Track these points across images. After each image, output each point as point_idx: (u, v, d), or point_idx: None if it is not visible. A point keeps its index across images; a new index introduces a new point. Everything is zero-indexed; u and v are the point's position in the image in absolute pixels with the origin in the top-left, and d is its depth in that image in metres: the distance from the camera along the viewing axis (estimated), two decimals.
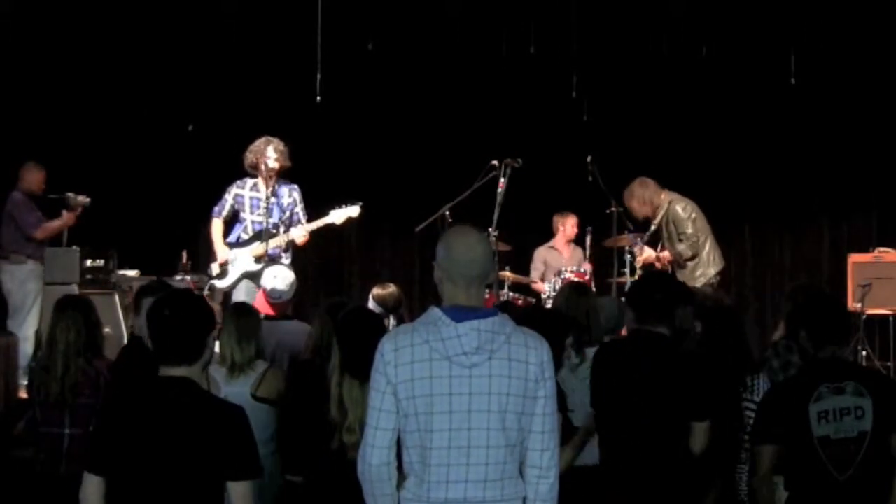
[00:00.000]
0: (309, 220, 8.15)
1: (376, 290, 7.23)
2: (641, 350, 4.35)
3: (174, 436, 3.29)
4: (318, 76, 8.99)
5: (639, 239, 8.79)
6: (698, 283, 8.15)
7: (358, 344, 4.16)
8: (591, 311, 5.51)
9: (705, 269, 8.31)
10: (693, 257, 8.38)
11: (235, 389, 5.00)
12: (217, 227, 8.25)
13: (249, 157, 8.05)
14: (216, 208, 8.25)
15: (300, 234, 8.03)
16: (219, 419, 3.35)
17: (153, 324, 3.44)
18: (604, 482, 4.38)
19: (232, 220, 8.26)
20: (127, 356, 5.20)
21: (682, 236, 8.36)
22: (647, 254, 8.78)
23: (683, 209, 8.40)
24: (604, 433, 4.43)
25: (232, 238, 8.20)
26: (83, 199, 8.64)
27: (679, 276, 8.29)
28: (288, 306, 6.69)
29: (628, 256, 8.93)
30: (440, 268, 3.28)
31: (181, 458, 3.28)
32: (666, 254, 8.61)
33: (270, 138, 8.04)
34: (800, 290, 5.85)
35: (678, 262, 8.44)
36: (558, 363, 3.76)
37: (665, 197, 8.46)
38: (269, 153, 7.95)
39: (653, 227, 8.57)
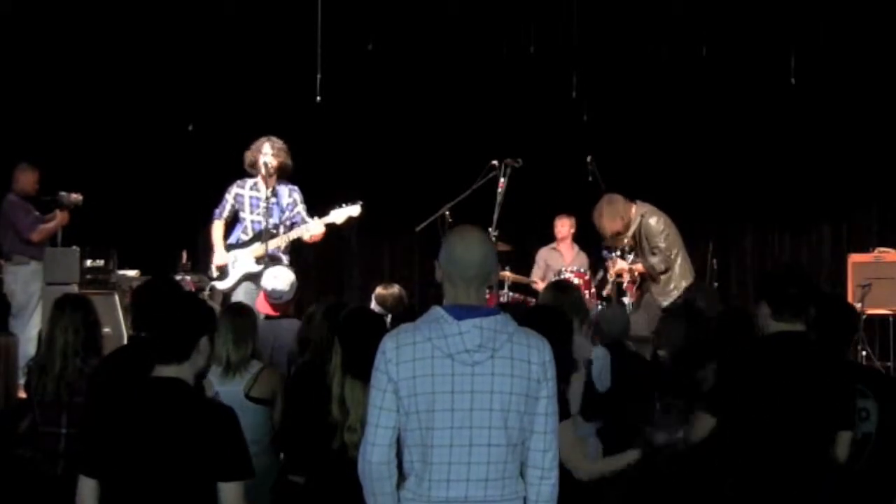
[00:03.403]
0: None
1: (379, 290, 7.23)
2: (786, 353, 3.96)
3: (163, 437, 3.28)
4: (318, 76, 8.98)
5: (613, 253, 8.79)
6: (671, 297, 8.10)
7: (359, 344, 4.15)
8: (576, 308, 5.52)
9: (678, 282, 8.24)
10: (666, 271, 8.30)
11: (229, 389, 4.99)
12: (218, 229, 8.21)
13: (249, 155, 8.05)
14: (217, 210, 8.23)
15: (315, 228, 7.97)
16: (208, 420, 3.34)
17: (147, 321, 3.44)
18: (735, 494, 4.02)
19: (232, 221, 8.24)
20: (120, 356, 5.13)
21: (654, 250, 8.28)
22: (620, 265, 8.76)
23: (656, 223, 8.28)
24: (736, 442, 3.99)
25: (232, 239, 8.18)
26: (76, 197, 8.64)
27: (653, 290, 8.31)
28: (290, 306, 6.69)
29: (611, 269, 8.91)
30: (441, 268, 3.28)
31: (171, 459, 3.27)
32: (639, 265, 8.59)
33: (270, 137, 8.04)
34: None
35: (651, 275, 8.41)
36: (561, 364, 3.71)
37: (637, 210, 8.36)
38: (266, 149, 7.94)
39: (625, 241, 8.52)
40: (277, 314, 6.58)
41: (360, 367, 4.06)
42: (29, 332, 8.24)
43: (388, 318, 6.81)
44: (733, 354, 4.18)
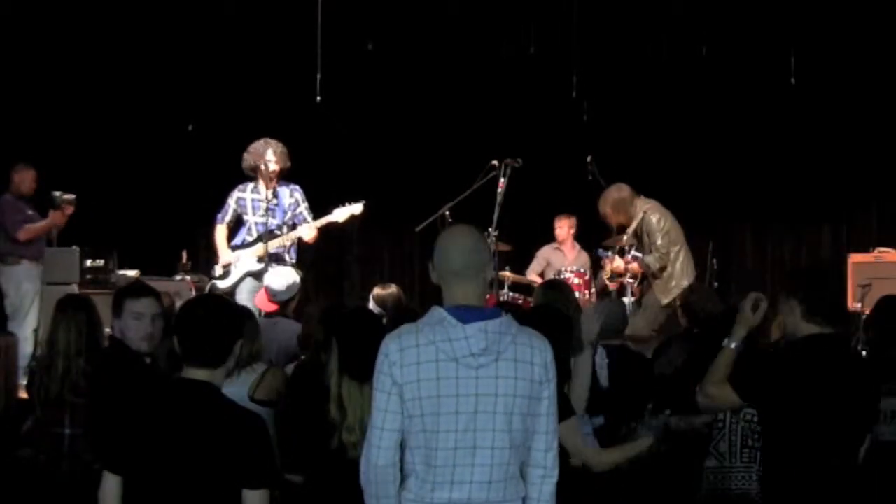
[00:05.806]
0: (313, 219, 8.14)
1: (377, 290, 7.23)
2: (826, 356, 3.88)
3: (193, 440, 3.27)
4: (318, 76, 8.98)
5: (609, 251, 8.80)
6: (672, 295, 8.05)
7: (357, 345, 4.16)
8: (569, 308, 5.53)
9: (679, 280, 8.19)
10: (662, 269, 8.26)
11: (232, 390, 4.98)
12: (221, 232, 8.19)
13: (248, 159, 8.01)
14: (219, 215, 8.20)
15: (308, 231, 8.00)
16: (237, 426, 3.32)
17: (183, 324, 3.42)
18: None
19: (237, 224, 8.23)
20: (108, 359, 5.10)
21: (651, 247, 8.28)
22: (617, 264, 8.76)
23: (657, 220, 8.22)
24: (776, 443, 3.97)
25: (237, 240, 8.17)
26: (69, 197, 8.59)
27: (654, 287, 8.30)
28: (288, 306, 6.69)
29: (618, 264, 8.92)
30: (434, 269, 3.28)
31: (197, 463, 3.26)
32: (635, 265, 8.59)
33: (269, 140, 8.00)
34: None
35: (649, 273, 8.40)
36: (560, 364, 3.71)
37: (640, 205, 8.32)
38: (269, 156, 7.91)
39: (625, 237, 8.51)
40: (276, 309, 6.59)
41: (358, 368, 4.08)
42: (24, 332, 8.23)
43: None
44: (778, 357, 4.09)
